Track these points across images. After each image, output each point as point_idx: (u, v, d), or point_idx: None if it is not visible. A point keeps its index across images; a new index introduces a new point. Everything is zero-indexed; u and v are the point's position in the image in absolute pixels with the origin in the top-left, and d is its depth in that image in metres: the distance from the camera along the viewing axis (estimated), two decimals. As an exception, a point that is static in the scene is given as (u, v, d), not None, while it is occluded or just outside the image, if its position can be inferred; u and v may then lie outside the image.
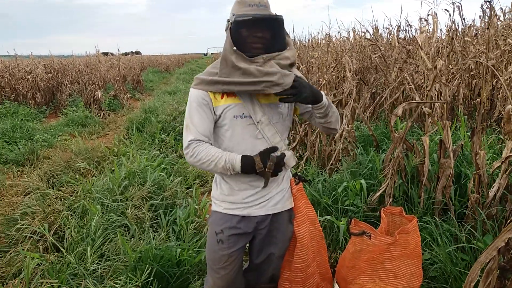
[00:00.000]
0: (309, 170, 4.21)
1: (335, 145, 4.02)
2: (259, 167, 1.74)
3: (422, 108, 3.27)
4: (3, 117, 9.13)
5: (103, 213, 3.12)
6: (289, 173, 2.01)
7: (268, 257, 2.02)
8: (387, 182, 3.16)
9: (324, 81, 4.73)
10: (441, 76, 3.15)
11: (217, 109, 1.77)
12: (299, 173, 2.04)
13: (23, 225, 3.20)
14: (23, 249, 2.93)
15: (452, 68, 5.42)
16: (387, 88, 5.44)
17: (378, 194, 3.17)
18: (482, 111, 4.33)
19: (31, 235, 3.12)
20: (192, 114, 1.78)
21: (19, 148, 6.41)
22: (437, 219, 2.87)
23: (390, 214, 2.46)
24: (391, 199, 3.15)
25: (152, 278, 2.25)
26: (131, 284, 2.14)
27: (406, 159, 3.33)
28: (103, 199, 3.37)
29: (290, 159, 1.87)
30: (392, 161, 3.21)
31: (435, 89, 3.39)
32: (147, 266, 2.23)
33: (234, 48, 1.68)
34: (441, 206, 3.05)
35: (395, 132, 3.07)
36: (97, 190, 3.61)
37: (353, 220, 2.23)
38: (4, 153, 6.34)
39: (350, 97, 3.99)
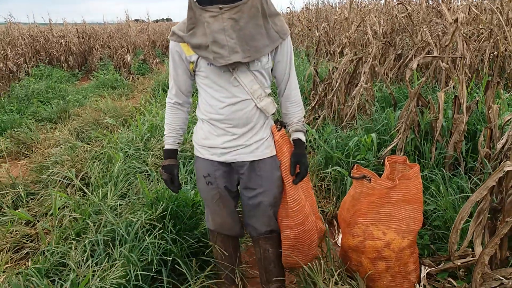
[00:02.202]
0: (326, 129, 4.28)
1: (352, 102, 4.04)
2: (162, 163, 1.99)
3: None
4: (38, 79, 9.52)
5: (125, 160, 3.33)
6: (270, 120, 1.96)
7: (258, 205, 1.99)
8: (399, 136, 3.20)
9: (346, 39, 4.71)
10: (462, 30, 3.09)
11: (190, 58, 1.79)
12: (279, 119, 2.00)
13: (52, 171, 3.46)
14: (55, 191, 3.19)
15: (482, 28, 5.25)
16: (413, 49, 5.34)
17: (389, 148, 3.22)
18: (498, 66, 4.22)
19: (61, 179, 3.37)
20: (170, 68, 1.89)
21: (52, 107, 6.74)
22: (444, 172, 2.91)
23: (395, 162, 2.52)
24: (402, 154, 3.19)
25: (167, 213, 2.42)
26: (146, 219, 2.32)
27: (420, 115, 3.34)
28: (126, 149, 3.58)
29: (269, 106, 1.86)
30: (405, 116, 3.23)
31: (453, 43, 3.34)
32: (161, 202, 2.41)
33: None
34: (452, 160, 3.08)
35: (410, 87, 3.08)
36: (121, 142, 3.83)
37: (355, 166, 2.32)
38: (39, 112, 6.70)
39: (368, 54, 3.97)
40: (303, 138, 2.00)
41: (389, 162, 2.49)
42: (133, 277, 1.87)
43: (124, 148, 3.61)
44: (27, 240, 2.80)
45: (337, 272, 2.27)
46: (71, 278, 1.79)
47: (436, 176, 2.84)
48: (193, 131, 2.01)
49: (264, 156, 1.92)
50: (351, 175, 2.28)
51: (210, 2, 1.61)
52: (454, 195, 2.67)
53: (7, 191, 3.29)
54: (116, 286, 1.86)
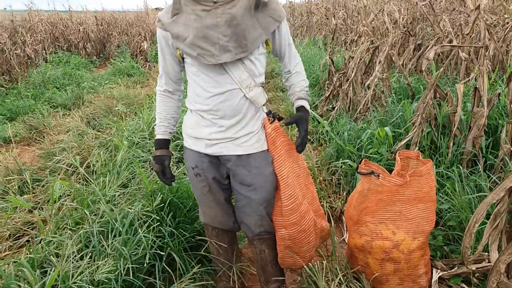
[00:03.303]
0: (340, 121, 4.12)
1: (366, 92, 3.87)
2: (153, 154, 1.90)
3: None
4: (55, 66, 9.57)
5: (130, 149, 3.26)
6: (262, 113, 1.82)
7: (249, 203, 1.86)
8: (415, 130, 3.03)
9: (364, 28, 4.52)
10: (484, 17, 2.89)
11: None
12: (273, 111, 1.85)
13: (58, 159, 3.42)
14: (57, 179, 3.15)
15: (507, 18, 4.97)
16: (433, 39, 5.10)
17: (403, 142, 3.05)
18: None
19: (66, 167, 3.32)
20: (159, 55, 1.80)
21: (67, 94, 6.75)
22: (461, 169, 2.73)
23: (407, 158, 2.37)
24: (417, 148, 3.03)
25: (165, 205, 2.34)
26: (143, 210, 2.24)
27: (438, 108, 3.16)
28: (132, 137, 3.51)
29: (259, 96, 1.74)
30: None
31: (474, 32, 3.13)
32: (159, 194, 2.32)
33: None
34: (470, 156, 2.90)
35: (427, 78, 2.90)
36: (128, 129, 3.76)
37: (363, 161, 2.18)
38: (54, 98, 6.72)
39: (386, 43, 3.79)
40: (307, 106, 1.88)
41: (401, 158, 2.33)
42: (123, 272, 1.78)
43: (130, 136, 3.54)
44: (28, 228, 2.77)
45: (343, 273, 2.16)
46: (52, 273, 1.72)
47: (452, 173, 2.67)
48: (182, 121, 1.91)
49: (253, 151, 1.79)
50: (358, 170, 2.14)
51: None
52: (471, 194, 2.51)
53: (13, 177, 3.26)
54: (106, 281, 1.78)
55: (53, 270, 1.90)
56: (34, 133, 4.97)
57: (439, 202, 2.60)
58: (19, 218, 2.86)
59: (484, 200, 1.65)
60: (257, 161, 1.80)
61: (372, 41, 4.25)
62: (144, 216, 2.23)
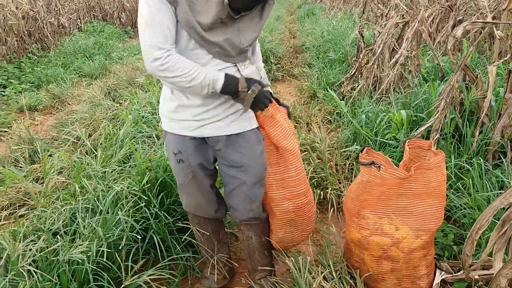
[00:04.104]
0: (363, 102, 3.86)
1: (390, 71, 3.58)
2: (242, 87, 1.55)
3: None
4: (89, 35, 9.66)
5: (136, 123, 3.19)
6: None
7: (240, 186, 1.77)
8: (437, 115, 2.76)
9: (396, 0, 4.17)
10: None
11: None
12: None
13: (67, 130, 3.40)
14: (64, 151, 3.14)
15: None
16: (474, 15, 4.65)
17: (424, 128, 2.78)
18: None
19: (73, 139, 3.30)
20: (156, 11, 1.45)
21: (94, 64, 6.78)
22: (482, 161, 2.46)
23: (418, 147, 2.14)
24: (438, 135, 2.76)
25: (156, 185, 2.25)
26: (131, 189, 2.16)
27: (465, 92, 2.86)
28: (140, 111, 3.43)
29: (254, 74, 1.64)
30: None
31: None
32: (147, 173, 2.23)
33: (226, 1, 1.44)
34: (497, 147, 2.61)
35: (453, 58, 2.61)
36: (140, 103, 3.69)
37: (365, 149, 1.97)
38: (82, 67, 6.78)
39: (415, 18, 3.45)
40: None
41: (411, 147, 2.11)
42: (93, 253, 1.71)
43: (138, 110, 3.47)
44: (28, 198, 2.78)
45: (336, 267, 2.01)
46: (6, 253, 1.67)
47: (471, 166, 2.41)
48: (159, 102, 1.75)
49: (243, 129, 1.68)
50: (359, 160, 1.94)
51: (238, 13, 1.52)
52: (491, 191, 2.25)
53: (21, 147, 3.28)
54: (79, 261, 1.72)
55: (38, 244, 1.87)
56: (56, 102, 5.02)
57: (453, 197, 2.36)
58: (23, 187, 2.88)
59: (491, 205, 1.44)
60: (247, 140, 1.71)
61: (403, 15, 3.90)
62: (130, 195, 2.14)
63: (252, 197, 1.81)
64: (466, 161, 2.58)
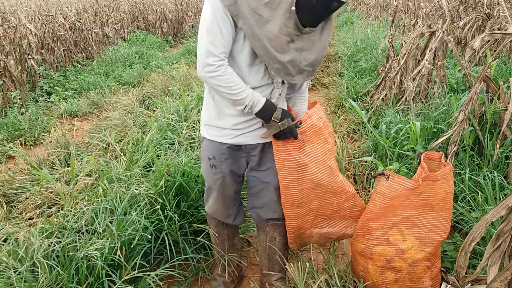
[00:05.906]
0: (387, 112, 3.85)
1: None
2: (276, 117, 1.66)
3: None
4: (132, 44, 10.10)
5: (161, 130, 3.35)
6: (285, 102, 1.88)
7: (266, 187, 1.89)
8: (455, 127, 2.73)
9: (423, 10, 4.13)
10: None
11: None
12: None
13: (98, 136, 3.63)
14: (94, 156, 3.35)
15: None
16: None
17: (441, 140, 2.76)
18: None
19: (103, 144, 3.51)
20: (218, 20, 1.53)
21: (133, 72, 7.11)
22: (496, 174, 2.41)
23: (429, 159, 2.14)
24: (456, 147, 2.73)
25: (172, 189, 2.38)
26: (147, 192, 2.30)
27: (487, 103, 2.81)
28: (166, 119, 3.60)
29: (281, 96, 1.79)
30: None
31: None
32: (163, 177, 2.36)
33: (293, 8, 1.51)
34: (517, 161, 2.55)
35: (468, 69, 2.58)
36: (168, 111, 3.86)
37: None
38: (122, 76, 7.12)
39: (441, 29, 3.42)
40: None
41: (425, 160, 2.11)
42: (106, 250, 1.85)
43: (165, 118, 3.64)
44: (59, 199, 2.99)
45: (340, 275, 2.05)
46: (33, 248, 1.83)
47: (485, 180, 2.37)
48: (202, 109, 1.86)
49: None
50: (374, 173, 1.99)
51: (303, 26, 1.58)
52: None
53: (56, 150, 3.52)
54: (94, 257, 1.86)
55: (63, 241, 2.04)
56: (94, 108, 5.32)
57: (461, 210, 2.33)
58: (55, 188, 3.10)
59: (483, 218, 1.45)
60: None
61: (430, 25, 3.87)
62: (147, 198, 2.28)
63: (275, 200, 1.90)
64: (481, 173, 2.54)
